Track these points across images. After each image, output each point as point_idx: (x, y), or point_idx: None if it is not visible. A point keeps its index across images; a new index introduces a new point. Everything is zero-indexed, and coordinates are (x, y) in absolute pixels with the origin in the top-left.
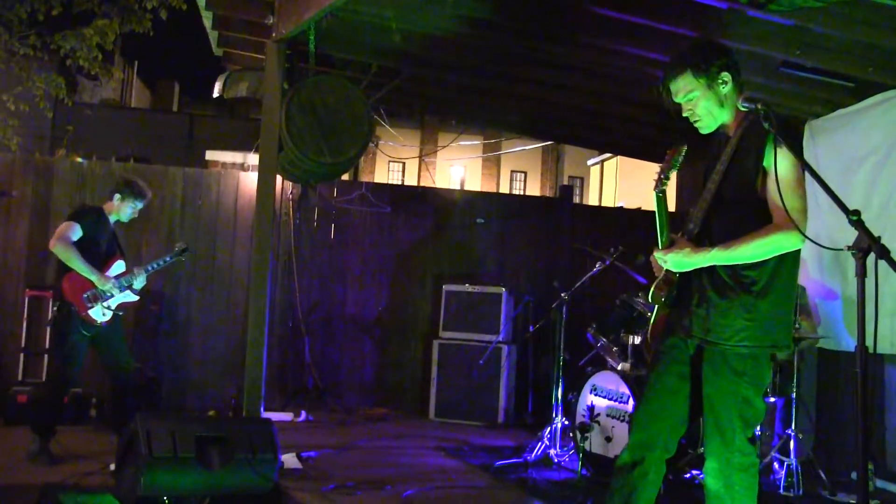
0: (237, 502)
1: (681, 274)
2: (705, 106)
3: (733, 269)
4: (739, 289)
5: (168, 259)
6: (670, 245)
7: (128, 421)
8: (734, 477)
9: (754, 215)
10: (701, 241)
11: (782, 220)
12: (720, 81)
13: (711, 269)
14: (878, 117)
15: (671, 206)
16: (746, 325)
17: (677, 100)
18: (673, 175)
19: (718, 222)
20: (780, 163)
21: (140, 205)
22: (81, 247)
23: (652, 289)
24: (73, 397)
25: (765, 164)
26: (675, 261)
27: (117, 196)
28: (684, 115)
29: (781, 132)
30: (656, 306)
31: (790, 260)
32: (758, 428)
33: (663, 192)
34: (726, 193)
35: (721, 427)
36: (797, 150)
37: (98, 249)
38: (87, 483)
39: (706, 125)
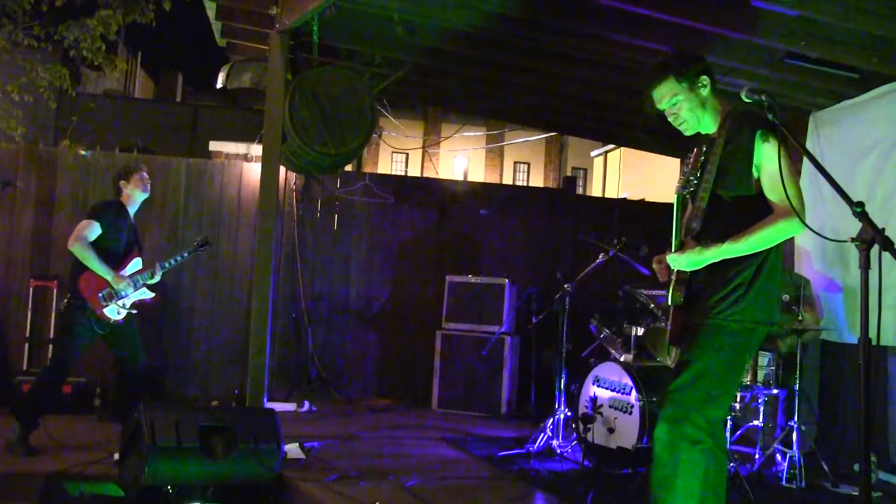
0: (240, 492)
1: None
2: (689, 108)
3: (725, 260)
4: (729, 279)
5: (186, 254)
6: (681, 247)
7: (132, 410)
8: (682, 446)
9: (751, 209)
10: (702, 239)
11: (782, 209)
12: (700, 85)
13: (712, 263)
14: (882, 108)
15: (668, 198)
16: (731, 301)
17: (661, 106)
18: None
19: (718, 220)
20: (770, 157)
21: (143, 173)
22: (100, 243)
23: (671, 290)
24: (77, 387)
25: (756, 160)
26: (689, 261)
27: (122, 182)
28: (669, 119)
29: (774, 123)
30: (672, 308)
31: (775, 246)
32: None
33: (685, 195)
34: (721, 192)
35: (683, 394)
36: (785, 138)
37: (117, 246)
38: (91, 472)
39: (690, 127)
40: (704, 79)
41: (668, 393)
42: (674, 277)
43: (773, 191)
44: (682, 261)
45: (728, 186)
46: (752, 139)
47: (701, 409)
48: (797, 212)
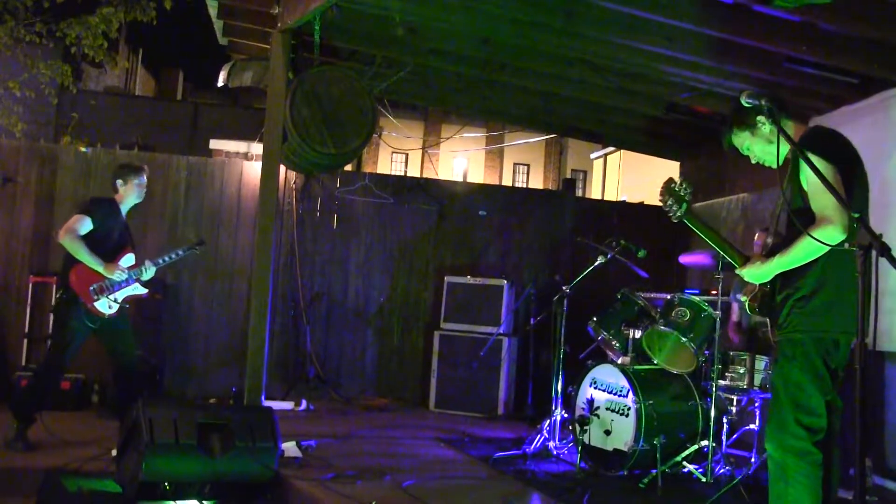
0: (237, 489)
1: (770, 284)
2: (760, 149)
3: (791, 273)
4: (795, 290)
5: (181, 252)
6: (746, 260)
7: (130, 407)
8: (788, 460)
9: (810, 220)
10: (775, 251)
11: (818, 220)
12: (759, 124)
13: (781, 276)
14: (881, 114)
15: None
16: (795, 313)
17: (743, 153)
18: (679, 205)
19: (789, 233)
20: (807, 169)
21: (143, 179)
22: (91, 239)
23: (748, 301)
24: (76, 383)
25: (802, 173)
26: (751, 274)
27: (119, 182)
28: (753, 162)
29: (811, 137)
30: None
31: (836, 257)
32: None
33: (688, 216)
34: (792, 207)
35: (778, 409)
36: (828, 148)
37: (108, 242)
38: (89, 468)
39: (769, 161)
40: (760, 118)
41: (770, 410)
42: (756, 289)
43: (812, 201)
44: (746, 273)
45: (793, 200)
46: (797, 157)
47: (795, 418)
48: (828, 221)
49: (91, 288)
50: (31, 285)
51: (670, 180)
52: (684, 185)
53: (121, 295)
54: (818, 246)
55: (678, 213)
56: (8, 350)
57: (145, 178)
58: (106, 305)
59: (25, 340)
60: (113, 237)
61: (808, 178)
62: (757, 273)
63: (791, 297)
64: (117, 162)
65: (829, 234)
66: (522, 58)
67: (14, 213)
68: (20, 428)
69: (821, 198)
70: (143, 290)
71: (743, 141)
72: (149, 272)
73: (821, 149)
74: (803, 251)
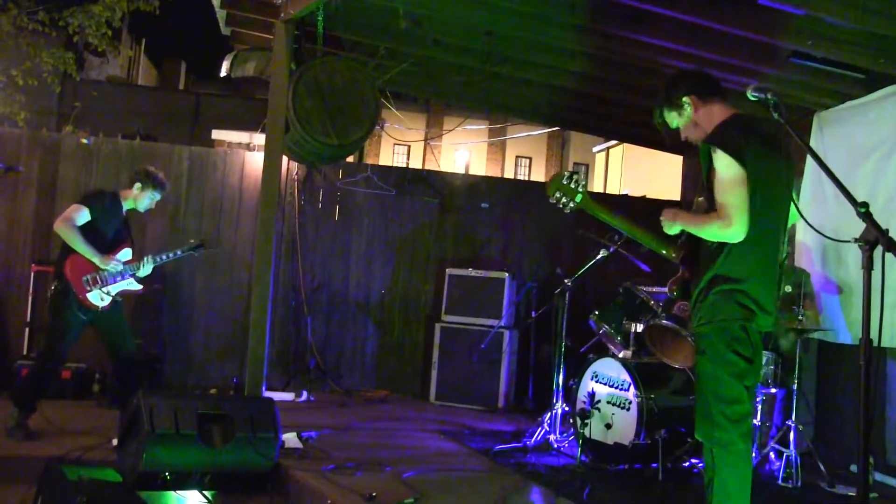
0: (237, 480)
1: (691, 274)
2: (686, 128)
3: (699, 264)
4: (698, 281)
5: (179, 252)
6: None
7: (131, 397)
8: (715, 451)
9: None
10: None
11: (720, 212)
12: (685, 106)
13: (693, 265)
14: (886, 109)
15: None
16: (699, 306)
17: (672, 128)
18: (572, 196)
19: (709, 200)
20: (718, 166)
21: (158, 196)
22: (88, 230)
23: (669, 284)
24: (77, 373)
25: (707, 160)
26: (664, 219)
27: (137, 185)
28: (682, 138)
29: (719, 132)
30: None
31: (737, 249)
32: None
33: (586, 203)
34: (708, 191)
35: (702, 403)
36: (735, 146)
37: (105, 234)
38: (89, 457)
39: (694, 140)
40: (686, 99)
41: (695, 404)
42: (679, 274)
43: (716, 192)
44: (663, 215)
45: (706, 186)
46: (707, 149)
47: (717, 408)
48: (726, 218)
49: (84, 278)
50: (32, 274)
51: (556, 175)
52: (574, 177)
53: (114, 289)
54: (706, 232)
55: (571, 206)
56: (9, 339)
57: (160, 194)
58: (98, 297)
59: (27, 329)
60: (111, 231)
61: (717, 170)
62: (668, 222)
63: (693, 294)
64: (148, 166)
65: (722, 228)
66: (526, 50)
67: (16, 201)
68: (21, 416)
69: (725, 194)
70: (138, 286)
71: (672, 120)
72: (146, 268)
73: (729, 147)
74: (698, 227)
